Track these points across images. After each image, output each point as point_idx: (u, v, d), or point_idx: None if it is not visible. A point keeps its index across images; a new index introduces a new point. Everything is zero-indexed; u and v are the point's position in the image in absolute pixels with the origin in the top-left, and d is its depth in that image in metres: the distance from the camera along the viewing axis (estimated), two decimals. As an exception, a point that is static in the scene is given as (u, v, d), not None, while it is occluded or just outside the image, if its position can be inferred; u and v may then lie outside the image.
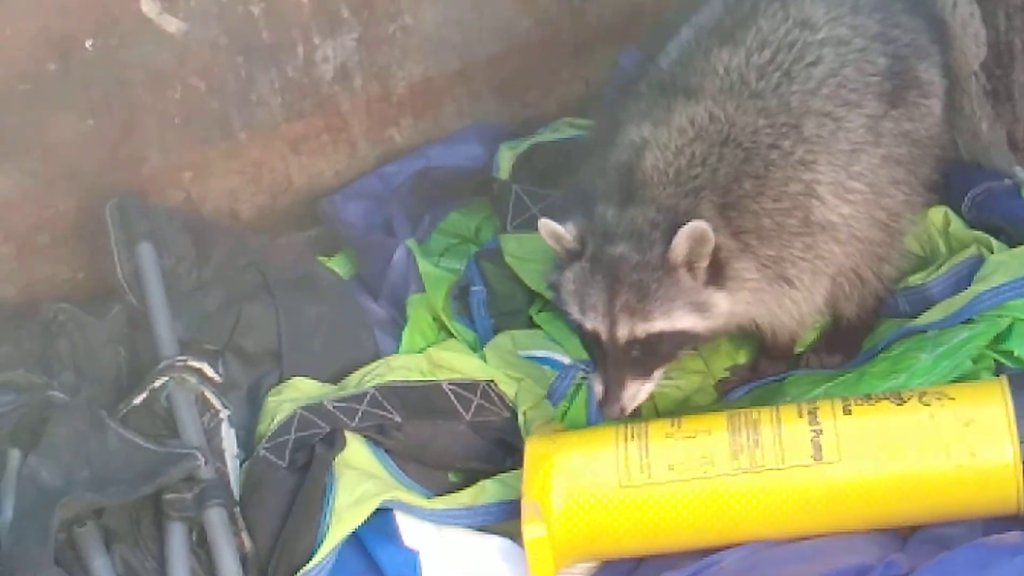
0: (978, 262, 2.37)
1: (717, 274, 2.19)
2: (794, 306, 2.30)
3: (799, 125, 2.22)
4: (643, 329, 2.21)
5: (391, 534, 2.19)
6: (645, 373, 2.23)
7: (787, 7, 2.28)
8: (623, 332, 2.21)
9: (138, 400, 2.33)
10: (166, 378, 2.34)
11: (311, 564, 2.16)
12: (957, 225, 2.48)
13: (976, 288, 2.31)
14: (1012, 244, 2.39)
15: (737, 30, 2.28)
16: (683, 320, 2.23)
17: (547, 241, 2.26)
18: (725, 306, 2.23)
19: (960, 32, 2.48)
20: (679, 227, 2.12)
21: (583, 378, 2.43)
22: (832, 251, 2.25)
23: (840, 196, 2.23)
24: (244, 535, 2.20)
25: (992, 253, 2.39)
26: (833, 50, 2.26)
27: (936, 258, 2.45)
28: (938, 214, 2.47)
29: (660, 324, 2.22)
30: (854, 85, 2.26)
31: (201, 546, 2.19)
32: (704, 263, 2.16)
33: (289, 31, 2.67)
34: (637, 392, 2.21)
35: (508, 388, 2.36)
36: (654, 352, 2.24)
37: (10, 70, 2.48)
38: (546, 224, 2.24)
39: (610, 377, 2.22)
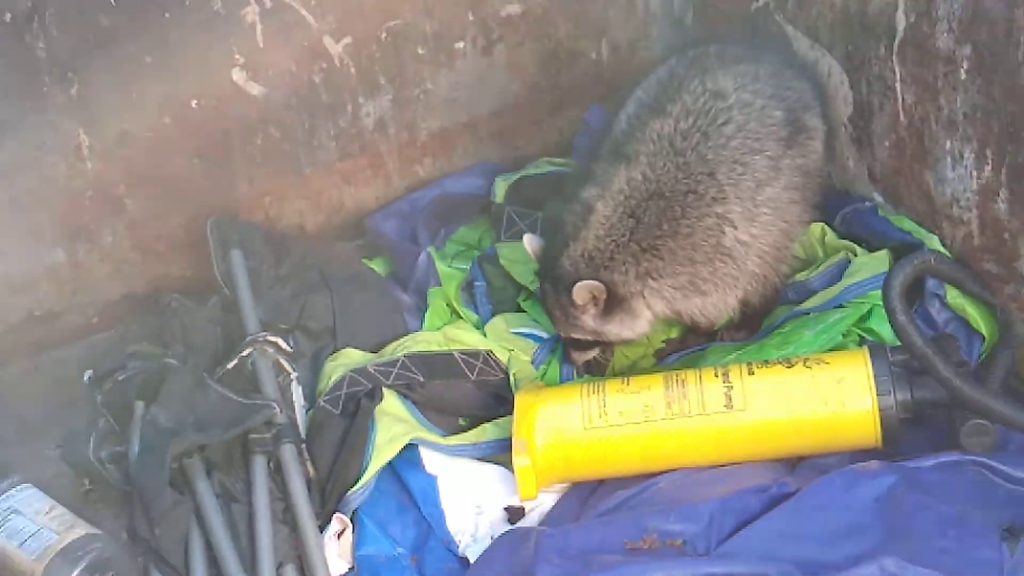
0: (846, 263, 2.47)
1: (611, 309, 2.32)
2: (712, 309, 2.42)
3: (713, 172, 2.30)
4: (565, 334, 2.43)
5: (416, 463, 2.25)
6: (586, 348, 2.44)
7: (704, 82, 2.34)
8: (558, 331, 2.44)
9: (230, 365, 2.38)
10: (251, 349, 2.40)
11: (358, 486, 2.21)
12: (831, 236, 2.56)
13: (845, 282, 2.41)
14: (871, 250, 2.48)
15: (667, 104, 2.34)
16: (586, 336, 2.40)
17: (527, 250, 2.41)
18: (616, 330, 2.38)
19: (834, 93, 2.51)
20: (575, 283, 2.27)
21: (555, 349, 2.50)
22: (744, 265, 2.35)
23: (749, 220, 2.32)
24: (308, 465, 2.27)
25: (856, 256, 2.47)
26: (740, 111, 2.33)
27: (815, 260, 2.54)
28: (817, 228, 2.55)
29: (573, 335, 2.41)
30: (757, 135, 2.33)
31: (277, 473, 2.23)
32: (601, 302, 2.30)
33: (341, 94, 2.70)
34: (581, 357, 2.46)
35: (502, 356, 2.43)
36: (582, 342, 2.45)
37: (140, 124, 2.49)
38: (529, 238, 2.44)
39: (566, 347, 2.45)
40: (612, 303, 2.34)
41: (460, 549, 2.15)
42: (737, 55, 2.48)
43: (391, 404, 2.32)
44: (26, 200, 2.57)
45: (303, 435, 2.32)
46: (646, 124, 2.38)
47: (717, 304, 2.42)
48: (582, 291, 2.29)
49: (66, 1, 2.40)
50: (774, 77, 2.45)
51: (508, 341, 2.51)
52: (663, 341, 2.54)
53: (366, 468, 2.21)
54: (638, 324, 2.40)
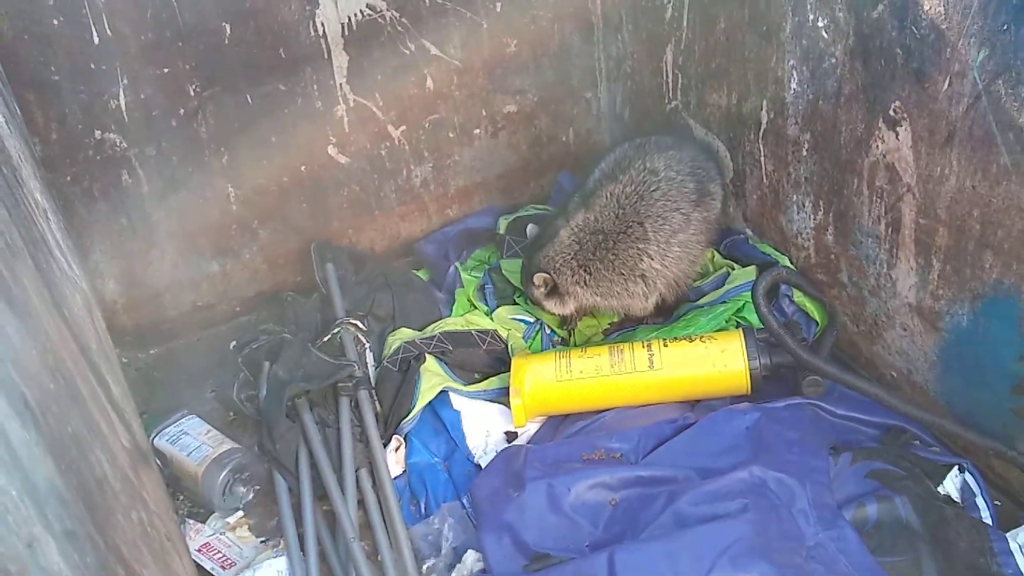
0: (727, 274, 2.48)
1: (551, 295, 2.40)
2: (631, 308, 2.43)
3: (642, 222, 2.30)
4: (526, 299, 2.52)
5: (447, 403, 2.23)
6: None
7: (644, 162, 2.33)
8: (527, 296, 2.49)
9: (325, 339, 2.36)
10: (339, 328, 2.38)
11: (409, 417, 2.21)
12: (718, 257, 2.56)
13: (727, 287, 2.42)
14: (744, 266, 2.48)
15: (619, 174, 2.33)
16: (546, 310, 2.46)
17: (528, 233, 2.54)
18: (551, 307, 2.44)
19: (724, 166, 2.51)
20: (537, 272, 2.36)
21: (539, 330, 2.48)
22: (654, 283, 2.36)
23: (662, 255, 2.33)
24: (376, 403, 2.25)
25: (734, 270, 2.47)
26: (666, 183, 2.31)
27: (707, 272, 2.52)
28: (709, 252, 2.54)
29: (530, 301, 2.49)
30: (676, 197, 2.32)
31: (355, 409, 2.22)
32: (547, 288, 2.38)
33: (399, 163, 2.68)
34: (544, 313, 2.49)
35: (504, 334, 2.41)
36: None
37: (269, 181, 2.50)
38: (530, 227, 2.55)
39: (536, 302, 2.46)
40: (552, 292, 2.39)
41: (475, 459, 2.13)
42: (668, 143, 2.43)
43: (431, 364, 2.30)
44: (193, 231, 2.56)
45: (373, 384, 2.30)
46: (603, 186, 2.37)
47: (633, 306, 2.42)
48: (538, 278, 2.36)
49: (219, 101, 2.42)
50: (691, 160, 2.42)
51: (507, 324, 2.47)
52: (609, 323, 2.53)
53: (414, 406, 2.21)
54: (566, 308, 2.43)
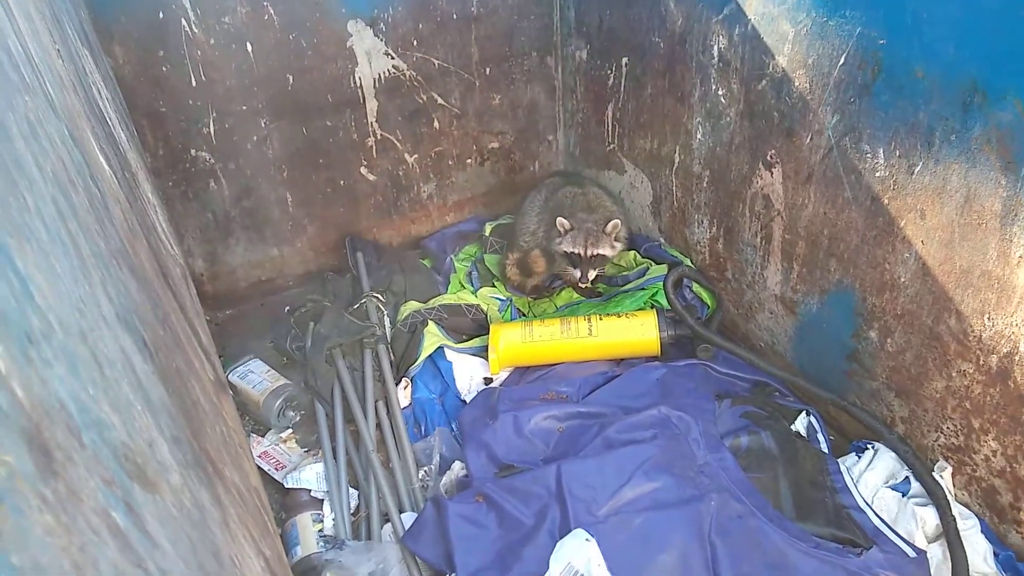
0: (646, 269, 2.41)
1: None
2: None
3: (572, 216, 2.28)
4: (592, 251, 2.23)
5: (443, 355, 2.19)
6: (593, 267, 2.24)
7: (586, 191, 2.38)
8: (590, 252, 2.23)
9: (355, 307, 2.33)
10: (365, 300, 2.35)
11: (414, 365, 2.18)
12: (639, 256, 2.51)
13: (645, 278, 2.38)
14: (657, 264, 2.43)
15: (577, 199, 2.36)
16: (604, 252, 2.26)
17: (559, 227, 2.25)
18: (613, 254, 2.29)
19: (643, 192, 2.52)
20: (609, 221, 2.24)
21: (509, 306, 2.47)
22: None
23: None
24: (391, 354, 2.23)
25: (650, 267, 2.42)
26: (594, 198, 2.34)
27: (631, 267, 2.49)
28: (631, 253, 2.51)
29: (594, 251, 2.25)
30: (593, 206, 2.33)
31: (376, 358, 2.20)
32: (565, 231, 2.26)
33: (412, 181, 2.65)
34: (589, 274, 2.24)
35: (485, 307, 2.39)
36: (596, 262, 2.25)
37: (316, 191, 2.49)
38: (561, 221, 2.24)
39: (584, 269, 2.23)
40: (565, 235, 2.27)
41: (462, 396, 2.12)
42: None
43: (431, 328, 2.27)
44: (260, 225, 2.51)
45: (389, 340, 2.27)
46: (556, 197, 2.39)
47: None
48: (613, 226, 2.24)
49: (283, 131, 2.40)
50: (603, 190, 2.43)
51: (487, 301, 2.42)
52: (560, 303, 2.54)
53: (419, 357, 2.19)
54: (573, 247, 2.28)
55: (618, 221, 2.26)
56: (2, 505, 0.31)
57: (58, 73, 1.03)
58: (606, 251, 2.26)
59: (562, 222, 2.26)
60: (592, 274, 2.26)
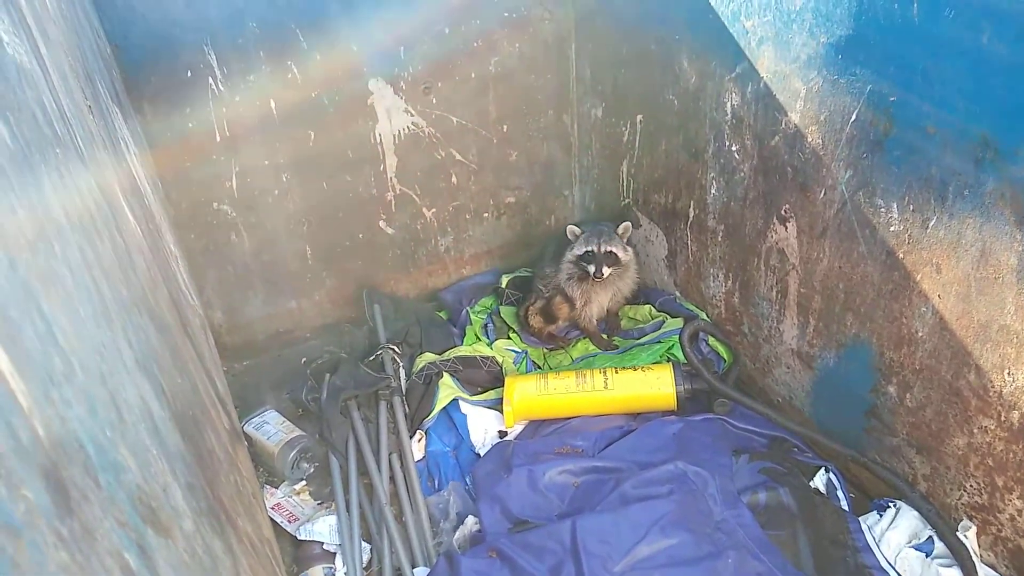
0: (661, 323, 2.40)
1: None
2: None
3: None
4: (605, 247, 2.32)
5: (457, 408, 2.19)
6: (607, 263, 2.30)
7: (600, 237, 2.38)
8: (604, 248, 2.32)
9: (371, 359, 2.33)
10: (381, 351, 2.36)
11: (429, 417, 2.18)
12: (654, 311, 2.50)
13: (661, 331, 2.37)
14: (673, 317, 2.41)
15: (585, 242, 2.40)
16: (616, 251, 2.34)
17: (569, 235, 2.38)
18: (625, 257, 2.37)
19: (658, 244, 2.52)
20: (620, 224, 2.35)
21: (524, 358, 2.46)
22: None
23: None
24: (405, 406, 2.22)
25: (666, 320, 2.41)
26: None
27: (647, 321, 2.49)
28: (647, 307, 2.50)
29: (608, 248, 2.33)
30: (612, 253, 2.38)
31: (391, 410, 2.19)
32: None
33: (429, 235, 2.67)
34: (603, 270, 2.29)
35: (500, 359, 2.38)
36: (608, 258, 2.32)
37: (335, 244, 2.52)
38: (571, 228, 2.39)
39: (598, 264, 2.29)
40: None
41: (476, 449, 2.10)
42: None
43: (446, 380, 2.26)
44: (279, 278, 2.52)
45: (404, 392, 2.26)
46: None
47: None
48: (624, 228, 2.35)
49: (304, 186, 2.44)
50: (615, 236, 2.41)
51: (503, 353, 2.41)
52: (576, 355, 2.53)
53: (433, 409, 2.18)
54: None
55: (629, 224, 2.36)
56: (20, 539, 0.31)
57: (89, 128, 1.07)
58: (618, 250, 2.34)
59: (572, 229, 2.38)
60: (607, 271, 2.31)
